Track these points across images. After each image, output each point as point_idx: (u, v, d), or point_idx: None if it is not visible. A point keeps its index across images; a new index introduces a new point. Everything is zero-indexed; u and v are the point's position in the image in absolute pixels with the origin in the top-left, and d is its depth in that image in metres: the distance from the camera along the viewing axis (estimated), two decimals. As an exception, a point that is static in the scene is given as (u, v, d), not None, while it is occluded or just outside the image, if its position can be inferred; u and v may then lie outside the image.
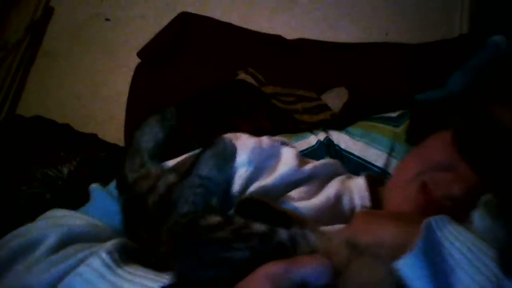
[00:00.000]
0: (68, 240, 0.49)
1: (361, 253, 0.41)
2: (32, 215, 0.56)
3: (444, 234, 0.41)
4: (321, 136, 0.91)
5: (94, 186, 0.61)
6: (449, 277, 0.39)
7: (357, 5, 1.33)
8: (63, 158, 0.90)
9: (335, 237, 0.43)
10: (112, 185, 0.60)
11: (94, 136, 1.11)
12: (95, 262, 0.44)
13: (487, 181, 0.54)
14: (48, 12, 1.48)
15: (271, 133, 0.78)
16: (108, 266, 0.44)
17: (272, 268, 0.37)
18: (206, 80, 1.11)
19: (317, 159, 0.77)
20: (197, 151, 0.62)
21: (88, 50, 1.39)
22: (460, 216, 0.46)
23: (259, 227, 0.42)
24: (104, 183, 0.61)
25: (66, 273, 0.44)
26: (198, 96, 1.08)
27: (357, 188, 0.67)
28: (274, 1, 1.39)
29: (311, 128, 0.96)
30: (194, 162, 0.50)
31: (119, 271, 0.44)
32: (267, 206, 0.48)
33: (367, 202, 0.66)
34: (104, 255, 0.44)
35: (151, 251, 0.47)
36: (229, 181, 0.59)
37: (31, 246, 0.49)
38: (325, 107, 1.09)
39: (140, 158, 0.54)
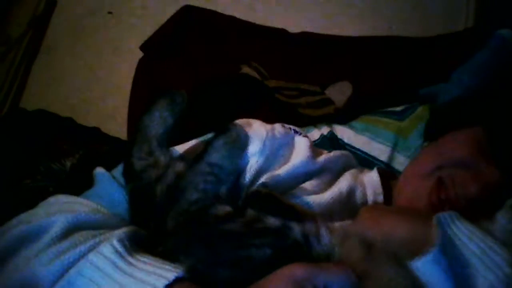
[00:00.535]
0: (74, 227, 0.48)
1: (379, 255, 0.40)
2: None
3: (453, 231, 0.41)
4: (325, 130, 0.91)
5: (99, 171, 0.59)
6: (463, 274, 0.39)
7: (361, -2, 1.32)
8: (66, 152, 0.90)
9: (348, 237, 0.42)
10: (118, 170, 0.58)
11: (97, 130, 1.11)
12: (106, 249, 0.43)
13: None
14: (51, 6, 1.48)
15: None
16: (119, 254, 0.43)
17: (297, 270, 0.37)
18: (209, 74, 1.11)
19: (321, 153, 0.77)
20: (207, 136, 0.60)
21: (91, 44, 1.39)
22: (476, 216, 0.45)
23: (272, 221, 0.41)
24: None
25: (75, 260, 0.44)
26: (201, 90, 1.08)
27: (370, 183, 0.66)
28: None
29: (315, 122, 0.95)
30: (205, 148, 0.48)
31: (131, 259, 0.43)
32: (276, 199, 0.47)
33: (381, 197, 0.65)
34: (115, 242, 0.43)
35: (158, 242, 0.46)
36: (240, 170, 0.57)
37: (36, 233, 0.48)
38: (328, 101, 1.08)
39: (148, 145, 0.52)
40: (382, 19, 1.28)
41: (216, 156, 0.47)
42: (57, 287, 0.43)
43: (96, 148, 0.96)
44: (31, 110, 1.14)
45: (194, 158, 0.50)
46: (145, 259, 0.43)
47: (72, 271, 0.43)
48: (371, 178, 0.67)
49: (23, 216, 0.51)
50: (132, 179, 0.53)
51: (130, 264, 0.42)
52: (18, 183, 0.84)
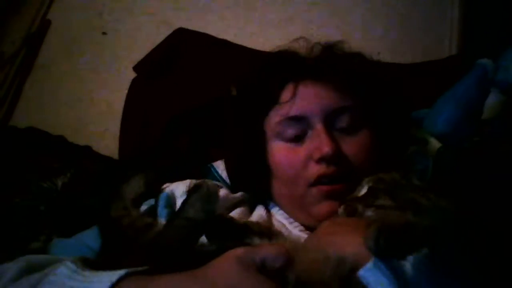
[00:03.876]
0: (27, 272, 0.52)
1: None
2: (26, 227, 0.56)
3: None
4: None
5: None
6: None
7: (350, 25, 1.37)
8: (57, 170, 0.90)
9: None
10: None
11: (88, 149, 1.11)
12: (62, 268, 0.49)
13: None
14: (45, 24, 1.49)
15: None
16: (73, 270, 0.49)
17: (238, 251, 0.45)
18: (201, 95, 1.13)
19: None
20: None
21: (85, 63, 1.40)
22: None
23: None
24: (99, 196, 0.65)
25: (33, 285, 0.48)
26: (192, 111, 1.09)
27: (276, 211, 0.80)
28: (269, 19, 1.42)
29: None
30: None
31: (85, 272, 0.49)
32: (233, 222, 0.60)
33: (291, 219, 0.78)
34: (69, 263, 0.50)
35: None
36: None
37: None
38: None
39: (124, 203, 0.66)
40: (370, 45, 1.32)
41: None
42: None
43: (87, 167, 0.96)
44: (22, 128, 1.14)
45: (172, 215, 0.62)
46: (97, 272, 0.49)
47: None
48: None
49: None
50: (108, 224, 0.64)
51: (84, 275, 0.48)
52: (9, 201, 0.84)
